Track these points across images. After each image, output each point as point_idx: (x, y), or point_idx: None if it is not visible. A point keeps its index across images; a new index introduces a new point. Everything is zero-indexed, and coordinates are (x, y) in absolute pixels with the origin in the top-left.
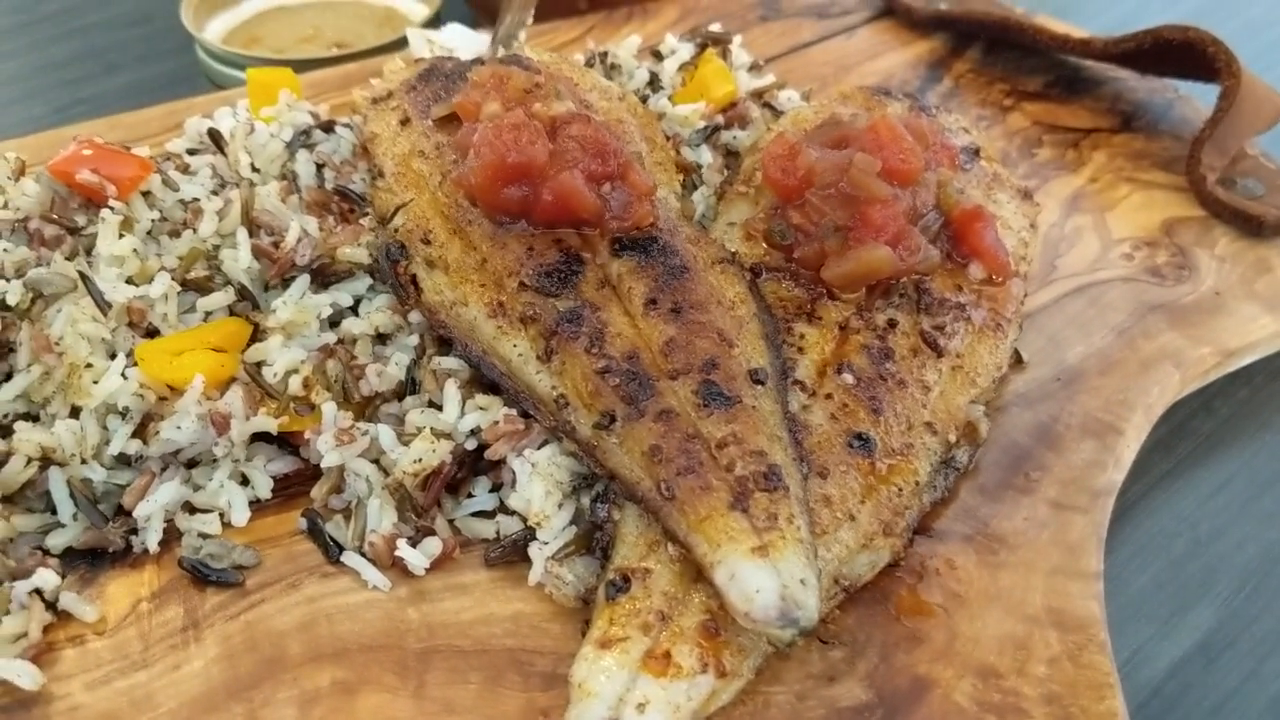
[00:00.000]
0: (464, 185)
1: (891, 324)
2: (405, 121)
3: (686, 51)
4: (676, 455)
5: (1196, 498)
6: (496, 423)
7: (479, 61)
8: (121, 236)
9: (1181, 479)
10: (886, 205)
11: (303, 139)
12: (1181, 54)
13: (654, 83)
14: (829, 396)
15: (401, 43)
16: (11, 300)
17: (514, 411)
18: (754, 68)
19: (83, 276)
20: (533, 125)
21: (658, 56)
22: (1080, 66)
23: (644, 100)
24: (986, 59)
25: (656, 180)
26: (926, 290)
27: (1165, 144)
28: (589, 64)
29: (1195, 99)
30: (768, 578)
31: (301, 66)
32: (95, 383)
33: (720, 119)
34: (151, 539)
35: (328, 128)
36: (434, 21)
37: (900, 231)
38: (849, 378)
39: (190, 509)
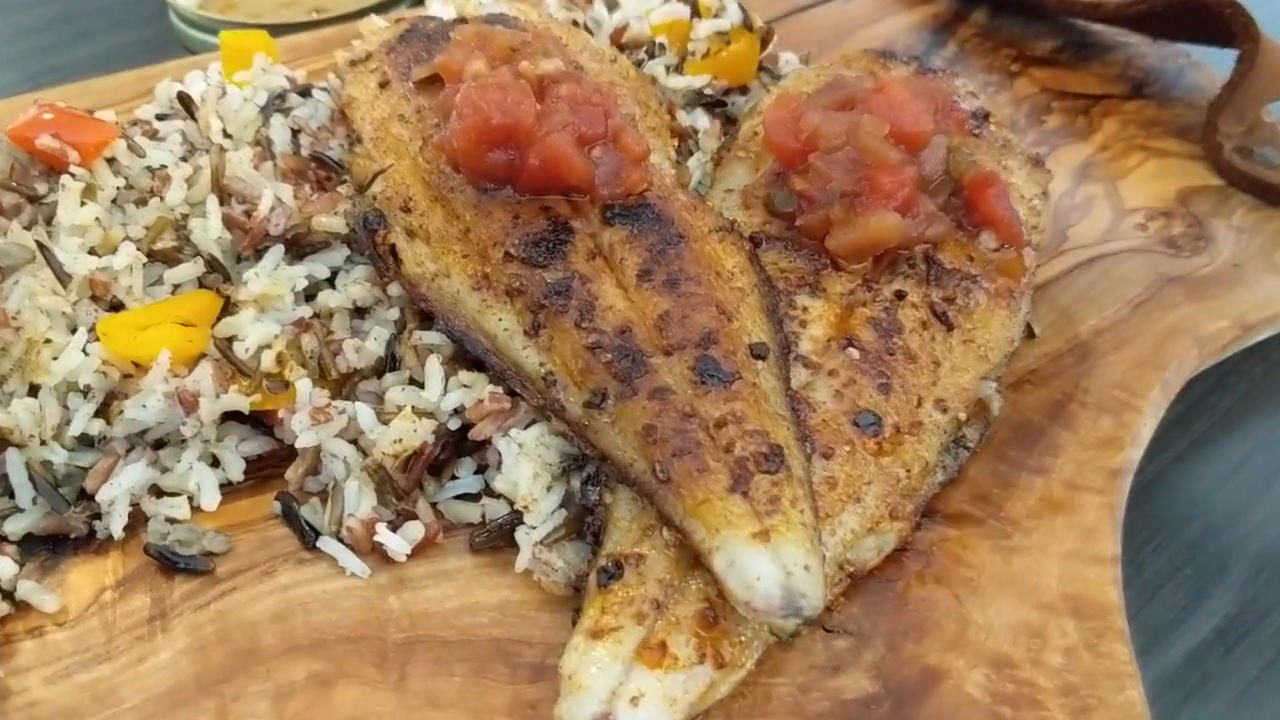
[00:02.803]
0: (446, 150)
1: (899, 296)
2: (385, 84)
3: (682, 10)
4: (672, 435)
5: (1213, 478)
6: (481, 401)
7: (463, 21)
8: (84, 205)
9: (1197, 458)
10: (895, 170)
11: (277, 103)
12: (1196, 17)
13: (651, 50)
14: (833, 373)
15: (383, 7)
16: None
17: (500, 389)
18: (749, 28)
19: (41, 247)
20: (519, 85)
21: (612, 3)
22: (1089, 31)
23: (638, 65)
24: (992, 23)
25: (650, 145)
26: (936, 261)
27: (1178, 111)
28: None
29: (1209, 65)
30: (769, 564)
31: (278, 31)
32: (55, 359)
33: (721, 84)
34: (116, 524)
35: (304, 92)
36: None
37: (910, 198)
38: (854, 352)
39: (157, 492)
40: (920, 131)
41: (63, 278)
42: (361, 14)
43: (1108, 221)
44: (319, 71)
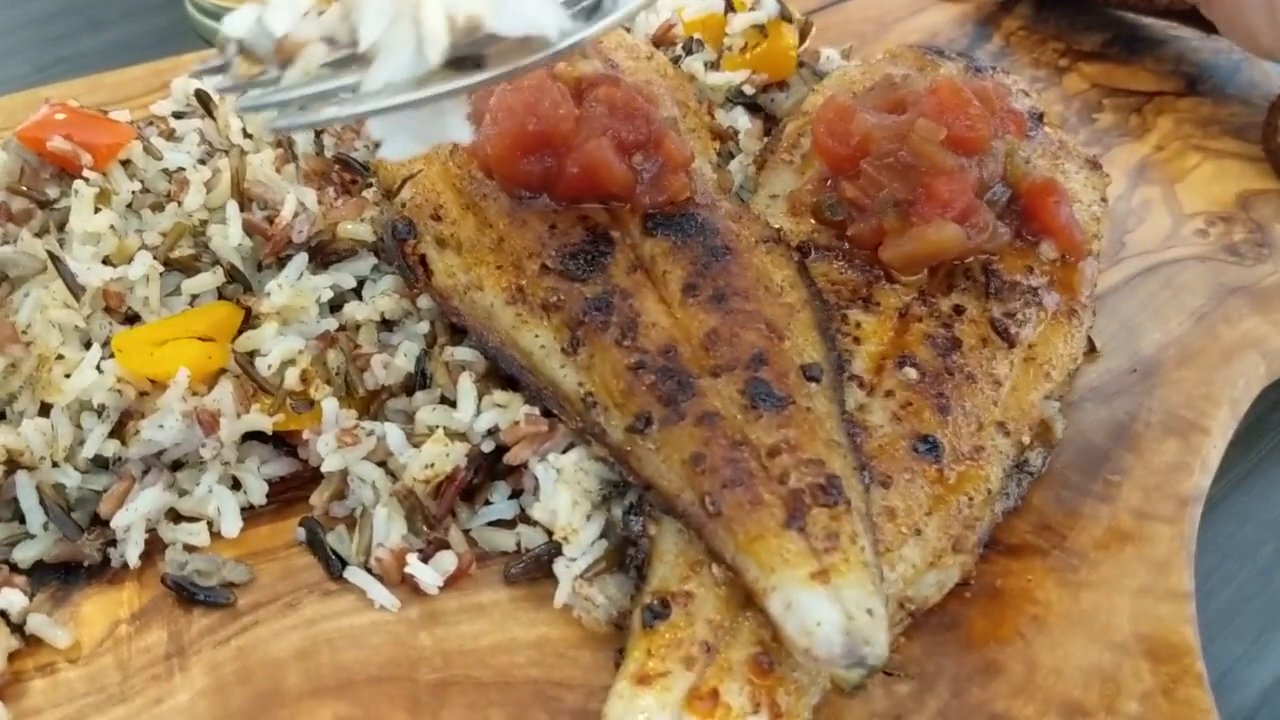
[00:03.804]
0: (478, 155)
1: (958, 310)
2: None
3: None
4: (722, 465)
5: None
6: (517, 423)
7: None
8: (97, 211)
9: (1264, 479)
10: (953, 177)
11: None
12: None
13: (690, 49)
14: (889, 394)
15: None
16: None
17: (536, 410)
18: (786, 19)
19: (53, 257)
20: (556, 88)
21: None
22: (1139, 24)
23: (675, 62)
24: (1039, 15)
25: (692, 148)
26: (995, 273)
27: (1234, 109)
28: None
29: (1264, 62)
30: (829, 609)
31: None
32: (67, 376)
33: (760, 79)
34: (131, 552)
35: None
36: None
37: (969, 207)
38: (912, 372)
39: (175, 516)
40: (978, 136)
41: (75, 290)
42: None
43: (1167, 227)
44: None
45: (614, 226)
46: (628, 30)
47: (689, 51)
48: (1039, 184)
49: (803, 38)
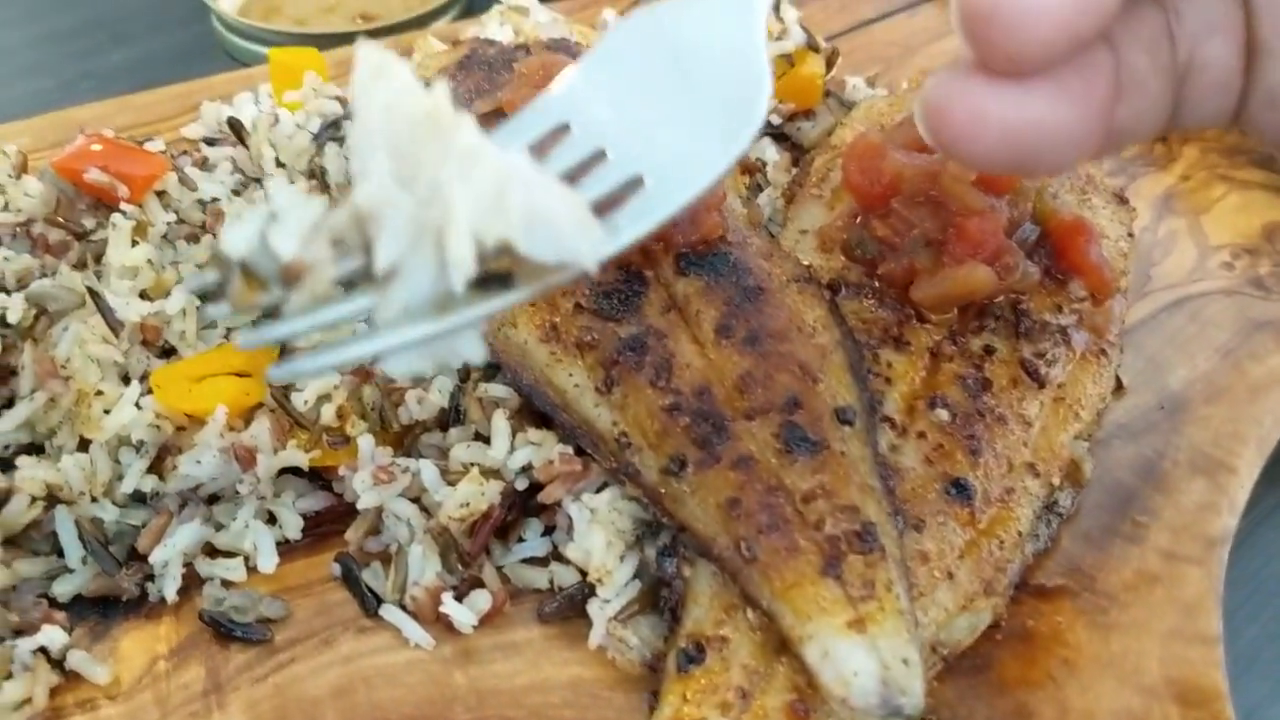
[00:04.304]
0: None
1: (988, 350)
2: None
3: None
4: (758, 510)
5: None
6: (551, 461)
7: (523, 49)
8: (135, 244)
9: None
10: (984, 218)
11: (331, 131)
12: None
13: None
14: (921, 435)
15: (430, 16)
16: (13, 318)
17: (569, 449)
18: (814, 49)
19: (92, 293)
20: None
21: None
22: None
23: None
24: None
25: (724, 186)
26: (1025, 312)
27: None
28: None
29: None
30: (866, 658)
31: (325, 42)
32: (106, 412)
33: (787, 108)
34: (169, 588)
35: None
36: None
37: (999, 247)
38: (943, 413)
39: (211, 551)
40: (1007, 178)
41: (114, 325)
42: (408, 25)
43: (1193, 259)
44: None
45: (647, 265)
46: None
47: None
48: (1068, 223)
49: (829, 66)
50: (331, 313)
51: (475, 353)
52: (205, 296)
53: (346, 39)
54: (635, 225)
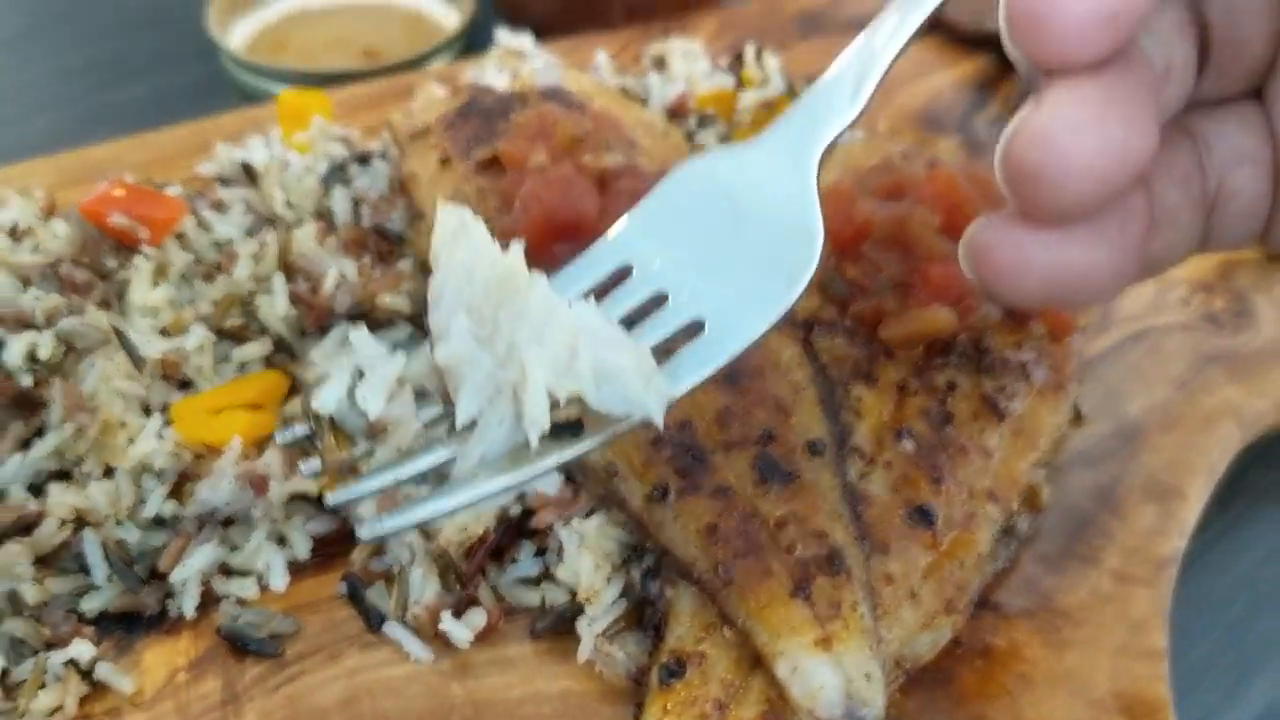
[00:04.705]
0: (510, 239)
1: (952, 386)
2: (445, 161)
3: (725, 80)
4: (734, 536)
5: (1254, 557)
6: (542, 489)
7: (520, 98)
8: (155, 284)
9: (1238, 537)
10: (948, 263)
11: (338, 175)
12: None
13: (704, 122)
14: (889, 465)
15: (431, 55)
16: (44, 354)
17: (560, 478)
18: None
19: (117, 332)
20: (582, 180)
21: (659, 64)
22: None
23: (690, 138)
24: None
25: None
26: (986, 349)
27: None
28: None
29: None
30: (832, 674)
31: (330, 80)
32: (130, 442)
33: None
34: (188, 605)
35: (363, 159)
36: (467, 32)
37: (962, 290)
38: (909, 444)
39: (226, 570)
40: (970, 222)
41: (137, 361)
42: (413, 64)
43: (1152, 294)
44: (374, 127)
45: None
46: (644, 103)
47: (702, 125)
48: None
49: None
50: (415, 467)
51: (549, 485)
52: (296, 447)
53: (350, 78)
54: (695, 372)
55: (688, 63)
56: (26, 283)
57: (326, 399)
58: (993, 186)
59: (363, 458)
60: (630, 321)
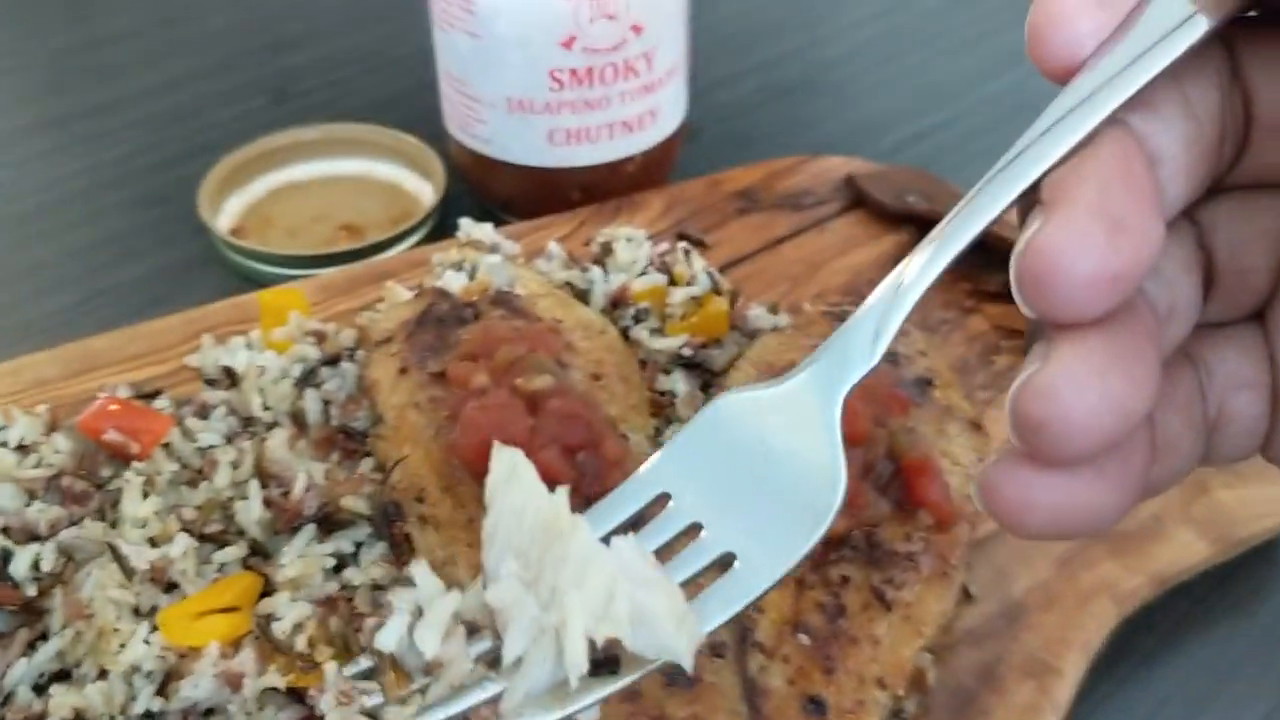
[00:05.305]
0: (455, 451)
1: (845, 580)
2: (404, 370)
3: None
4: None
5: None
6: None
7: (471, 307)
8: (145, 495)
9: (1120, 703)
10: None
11: (310, 378)
12: None
13: (640, 317)
14: (786, 658)
15: (406, 234)
16: (46, 566)
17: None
18: (717, 291)
19: (111, 547)
20: (514, 404)
21: (606, 250)
22: None
23: (625, 333)
24: None
25: (630, 425)
26: (877, 543)
27: None
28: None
29: None
30: None
31: (310, 263)
32: (122, 646)
33: (697, 341)
34: None
35: (333, 361)
36: (442, 205)
37: (854, 492)
38: (804, 638)
39: None
40: (859, 431)
41: (128, 571)
42: (389, 243)
43: None
44: (348, 312)
45: None
46: (586, 302)
47: (638, 320)
48: (914, 463)
49: (733, 303)
50: (467, 702)
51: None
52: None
53: (329, 261)
54: (723, 611)
55: (632, 249)
56: (33, 495)
57: (388, 637)
58: (885, 387)
59: (417, 692)
60: (662, 553)
